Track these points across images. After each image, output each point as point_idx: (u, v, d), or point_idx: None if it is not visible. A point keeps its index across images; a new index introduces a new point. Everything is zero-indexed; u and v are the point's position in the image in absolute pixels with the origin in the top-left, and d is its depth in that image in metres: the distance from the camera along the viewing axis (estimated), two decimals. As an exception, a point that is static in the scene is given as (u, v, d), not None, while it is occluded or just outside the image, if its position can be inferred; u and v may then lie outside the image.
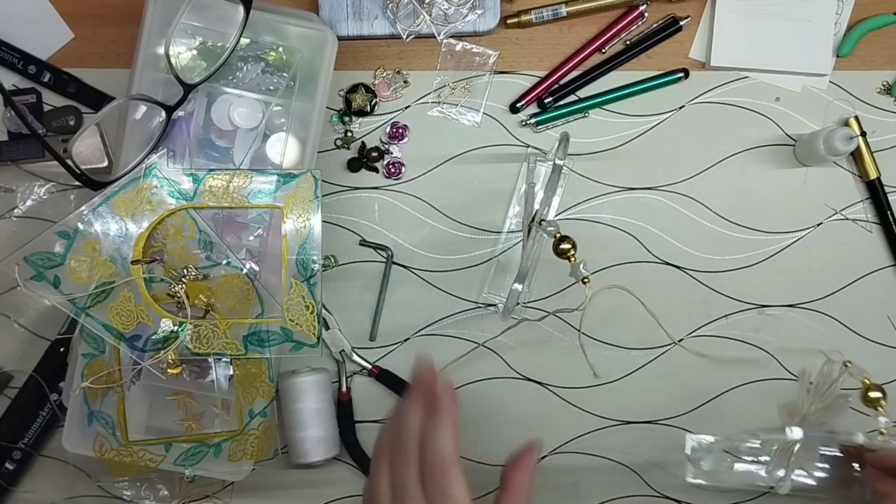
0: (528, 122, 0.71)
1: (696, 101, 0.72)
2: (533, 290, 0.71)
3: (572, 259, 0.60)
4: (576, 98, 0.72)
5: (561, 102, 0.71)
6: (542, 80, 0.71)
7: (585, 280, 0.60)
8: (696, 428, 0.71)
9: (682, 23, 0.71)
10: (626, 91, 0.71)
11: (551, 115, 0.71)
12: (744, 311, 0.72)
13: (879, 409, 0.63)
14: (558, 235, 0.61)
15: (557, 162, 0.63)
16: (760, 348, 0.72)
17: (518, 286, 0.61)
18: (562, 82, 0.72)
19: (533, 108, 0.72)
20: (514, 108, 0.71)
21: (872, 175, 0.72)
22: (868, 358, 0.71)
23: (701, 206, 0.72)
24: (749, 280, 0.72)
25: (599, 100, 0.71)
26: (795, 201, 0.72)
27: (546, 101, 0.71)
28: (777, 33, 0.71)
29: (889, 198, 0.72)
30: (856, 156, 0.72)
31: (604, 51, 0.72)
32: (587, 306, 0.61)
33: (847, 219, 0.73)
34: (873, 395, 0.63)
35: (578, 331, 0.71)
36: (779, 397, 0.71)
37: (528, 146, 0.71)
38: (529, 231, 0.62)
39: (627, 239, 0.71)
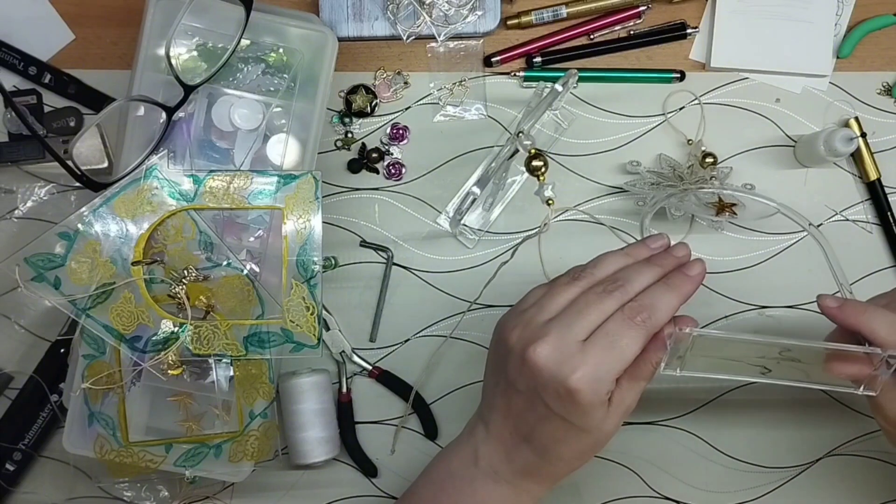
0: (517, 74, 0.71)
1: (696, 102, 0.72)
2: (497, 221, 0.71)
3: (541, 178, 0.61)
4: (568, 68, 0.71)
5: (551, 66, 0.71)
6: (524, 44, 0.71)
7: (550, 202, 0.60)
8: (697, 430, 0.71)
9: (689, 31, 0.71)
10: (619, 74, 0.71)
11: (541, 73, 0.71)
12: (744, 312, 0.72)
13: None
14: (533, 151, 0.61)
15: (557, 88, 0.63)
16: (761, 349, 0.72)
17: (477, 189, 0.61)
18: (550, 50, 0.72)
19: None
20: (488, 62, 0.71)
21: (872, 176, 0.72)
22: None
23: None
24: (749, 281, 0.72)
25: (591, 74, 0.71)
26: (796, 202, 0.72)
27: (535, 60, 0.71)
28: (777, 34, 0.71)
29: (889, 199, 0.72)
30: (856, 157, 0.72)
31: (592, 37, 0.72)
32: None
33: (847, 220, 0.73)
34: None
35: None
36: (780, 398, 0.72)
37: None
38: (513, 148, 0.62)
39: (627, 240, 0.71)
